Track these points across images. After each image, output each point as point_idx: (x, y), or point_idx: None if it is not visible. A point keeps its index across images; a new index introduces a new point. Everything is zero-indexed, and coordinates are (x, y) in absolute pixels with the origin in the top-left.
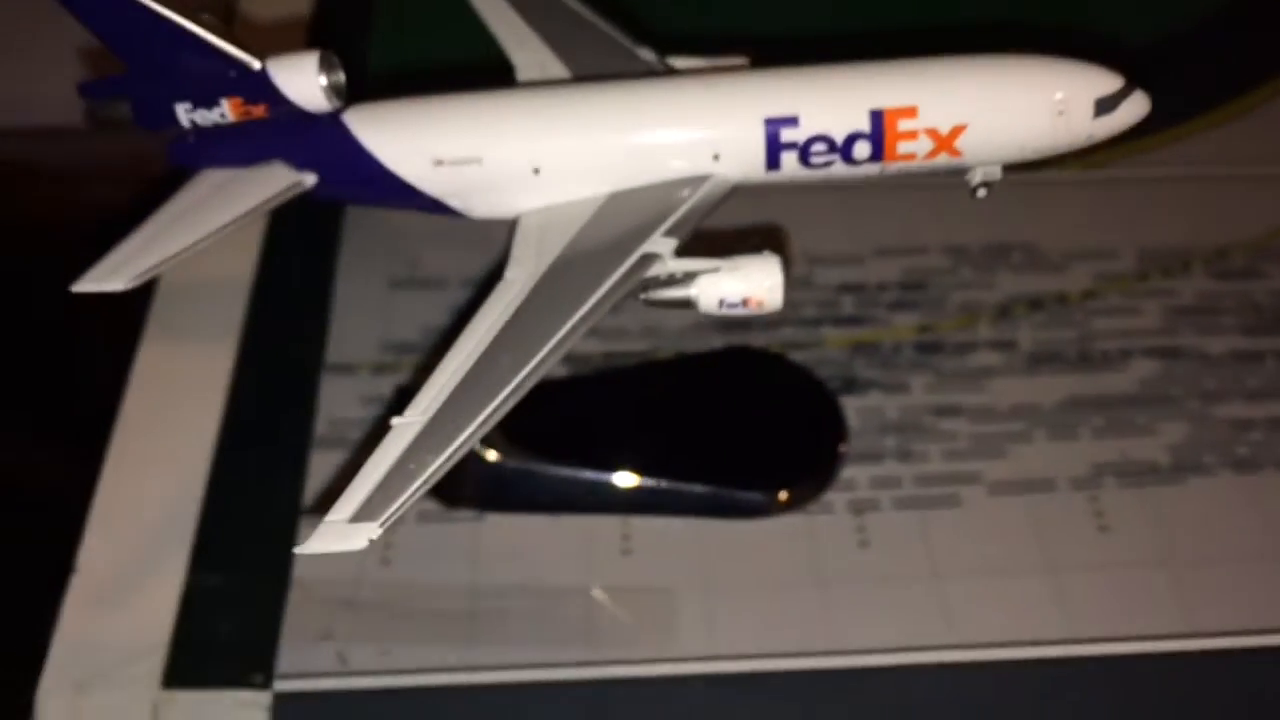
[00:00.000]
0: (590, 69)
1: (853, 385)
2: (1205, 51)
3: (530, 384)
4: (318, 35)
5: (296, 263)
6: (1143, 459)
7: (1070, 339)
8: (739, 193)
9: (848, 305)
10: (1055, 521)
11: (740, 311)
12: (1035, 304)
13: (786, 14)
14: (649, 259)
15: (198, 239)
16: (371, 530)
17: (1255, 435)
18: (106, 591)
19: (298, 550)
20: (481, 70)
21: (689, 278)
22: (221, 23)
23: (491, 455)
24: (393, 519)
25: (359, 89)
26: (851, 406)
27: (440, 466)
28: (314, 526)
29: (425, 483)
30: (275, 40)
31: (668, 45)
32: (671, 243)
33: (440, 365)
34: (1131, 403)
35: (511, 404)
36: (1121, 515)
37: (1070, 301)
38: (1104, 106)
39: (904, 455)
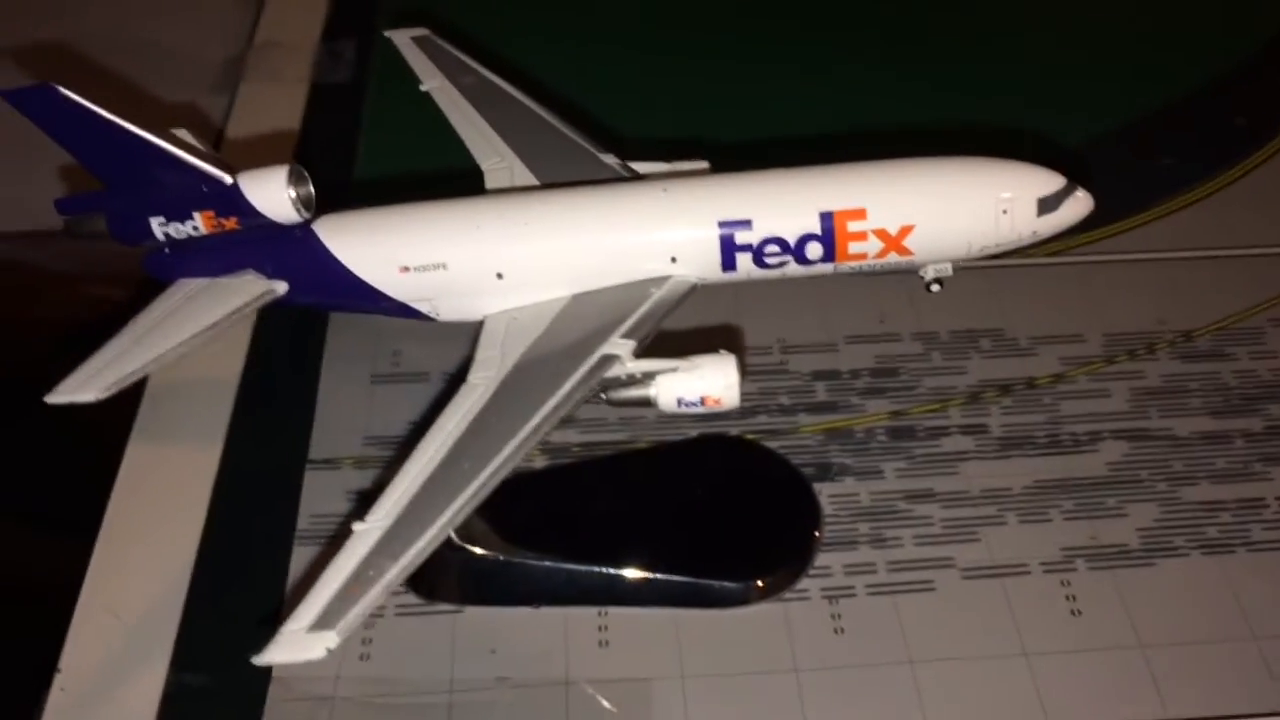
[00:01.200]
0: (555, 174)
1: (827, 471)
2: (1167, 138)
3: (490, 488)
4: (305, 149)
5: (282, 360)
6: (1113, 542)
7: (1039, 422)
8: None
9: (821, 392)
10: (1028, 606)
11: (698, 410)
12: (1005, 388)
13: (745, 119)
14: (608, 360)
15: (169, 349)
16: (329, 639)
17: (1224, 517)
18: (89, 690)
19: (255, 660)
20: (461, 177)
21: (648, 378)
22: (196, 139)
23: (470, 548)
24: (351, 627)
25: (344, 197)
26: (826, 492)
27: (399, 573)
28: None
29: (384, 589)
30: (264, 155)
31: (630, 150)
32: (630, 344)
33: (402, 470)
34: (1101, 485)
35: (471, 508)
36: (1093, 598)
37: (1039, 385)
38: (1047, 205)
39: (878, 541)
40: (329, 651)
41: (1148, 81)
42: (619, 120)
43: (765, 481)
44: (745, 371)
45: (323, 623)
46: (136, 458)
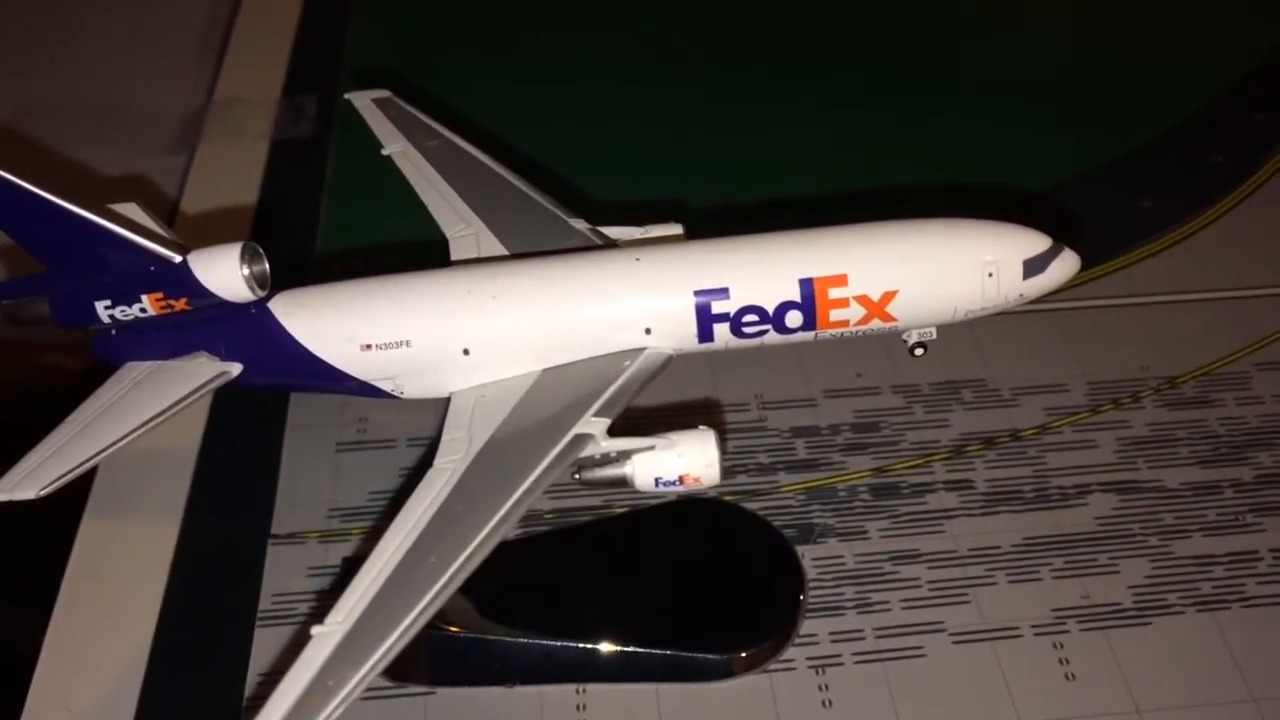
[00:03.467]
0: (523, 242)
1: (809, 533)
2: (1142, 180)
3: (458, 583)
4: (266, 208)
5: (243, 428)
6: (1106, 600)
7: (1025, 476)
8: None
9: (801, 449)
10: (1021, 670)
11: (677, 489)
12: (989, 441)
13: (718, 181)
14: (581, 440)
15: (116, 439)
16: None
17: (1218, 571)
18: None
19: None
20: (430, 237)
21: (623, 457)
22: (147, 212)
23: (440, 625)
24: None
25: (307, 257)
26: (809, 555)
27: (361, 680)
28: None
29: (346, 699)
30: (224, 217)
31: (601, 214)
32: (604, 421)
33: (365, 566)
34: (1091, 541)
35: (438, 606)
36: (1088, 661)
37: (1023, 437)
38: (1033, 267)
39: (864, 606)
40: None
41: (1119, 124)
42: (588, 182)
43: (746, 546)
44: (725, 446)
45: None
46: (91, 536)
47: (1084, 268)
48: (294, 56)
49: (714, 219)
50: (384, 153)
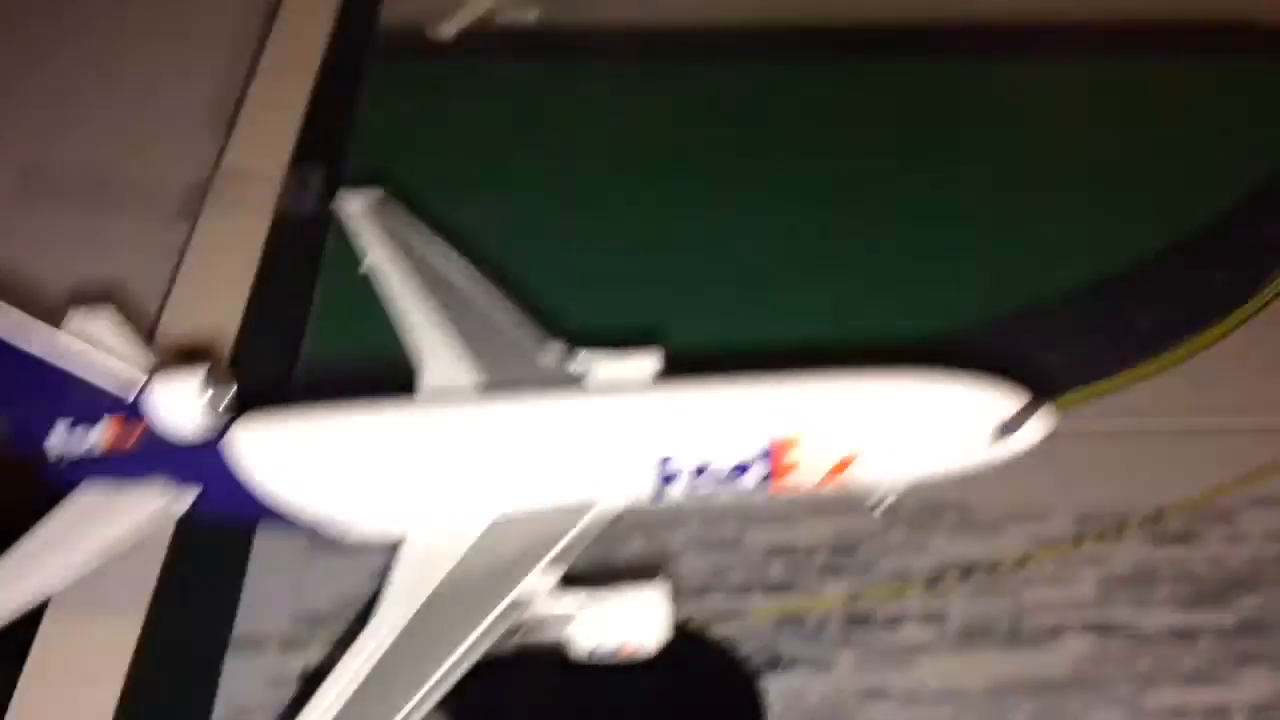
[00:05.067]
0: (492, 368)
1: (776, 663)
2: (1135, 302)
3: None
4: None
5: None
6: None
7: (1001, 612)
8: None
9: (777, 569)
10: None
11: (617, 659)
12: (967, 572)
13: (700, 322)
14: (523, 603)
15: (66, 573)
16: None
17: None
18: None
19: None
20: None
21: (560, 621)
22: (122, 321)
23: None
24: None
25: (287, 380)
26: (774, 688)
27: None
28: None
29: None
30: (213, 310)
31: (581, 338)
32: (549, 580)
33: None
34: (1062, 688)
35: None
36: None
37: (1002, 570)
38: (1006, 429)
39: None
40: None
41: (1116, 238)
42: (567, 299)
43: (707, 678)
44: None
45: None
46: (50, 637)
47: (1075, 387)
48: (302, 132)
49: (690, 353)
50: (361, 271)
